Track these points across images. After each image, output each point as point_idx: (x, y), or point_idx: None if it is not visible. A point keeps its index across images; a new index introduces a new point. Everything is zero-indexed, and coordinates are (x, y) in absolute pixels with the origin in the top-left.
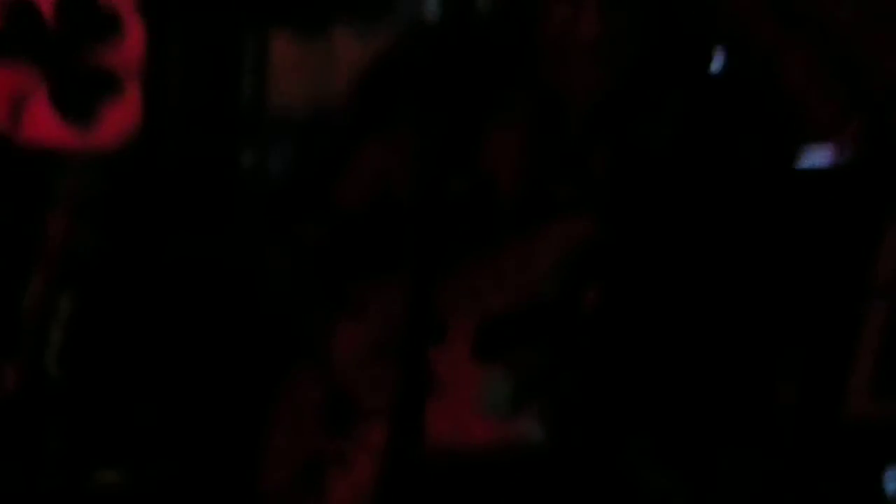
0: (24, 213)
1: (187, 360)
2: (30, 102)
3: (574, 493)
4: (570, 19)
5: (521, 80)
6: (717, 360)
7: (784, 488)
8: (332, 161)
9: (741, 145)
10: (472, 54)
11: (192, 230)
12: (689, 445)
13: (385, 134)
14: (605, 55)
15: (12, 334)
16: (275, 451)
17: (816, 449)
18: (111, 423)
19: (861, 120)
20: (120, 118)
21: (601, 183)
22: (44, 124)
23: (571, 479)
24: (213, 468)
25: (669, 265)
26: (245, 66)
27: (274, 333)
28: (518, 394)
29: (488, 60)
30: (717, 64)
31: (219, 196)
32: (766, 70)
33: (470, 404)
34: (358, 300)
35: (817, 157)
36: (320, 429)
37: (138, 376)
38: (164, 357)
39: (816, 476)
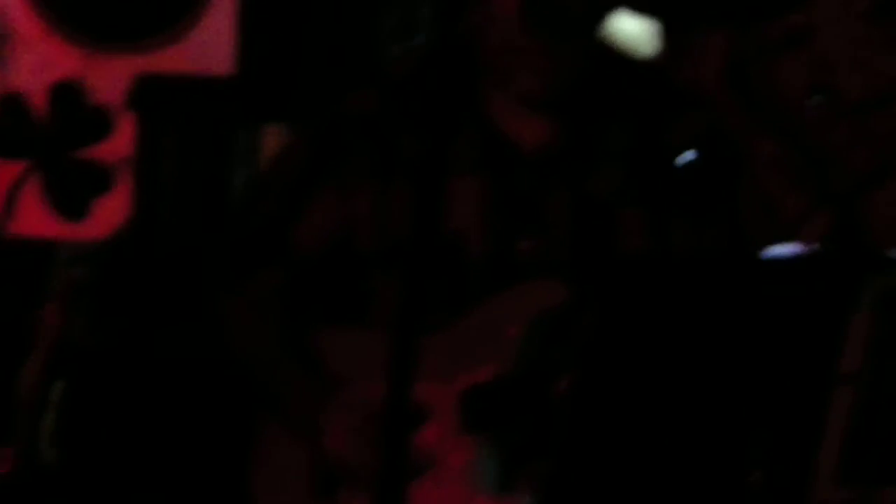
0: (20, 303)
1: (173, 440)
2: (23, 196)
3: None
4: (509, 72)
5: (472, 127)
6: (688, 442)
7: None
8: (289, 208)
9: (712, 234)
10: (426, 100)
11: (184, 318)
12: None
13: (341, 182)
14: (546, 106)
15: (7, 419)
16: None
17: None
18: None
19: (827, 213)
20: (111, 210)
21: (563, 238)
22: (36, 217)
23: None
24: None
25: (641, 349)
26: (236, 159)
27: (244, 392)
28: (506, 468)
29: (440, 107)
30: (687, 156)
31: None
32: (736, 163)
33: (462, 479)
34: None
35: (786, 247)
36: (308, 494)
37: (131, 459)
38: (153, 439)
39: None
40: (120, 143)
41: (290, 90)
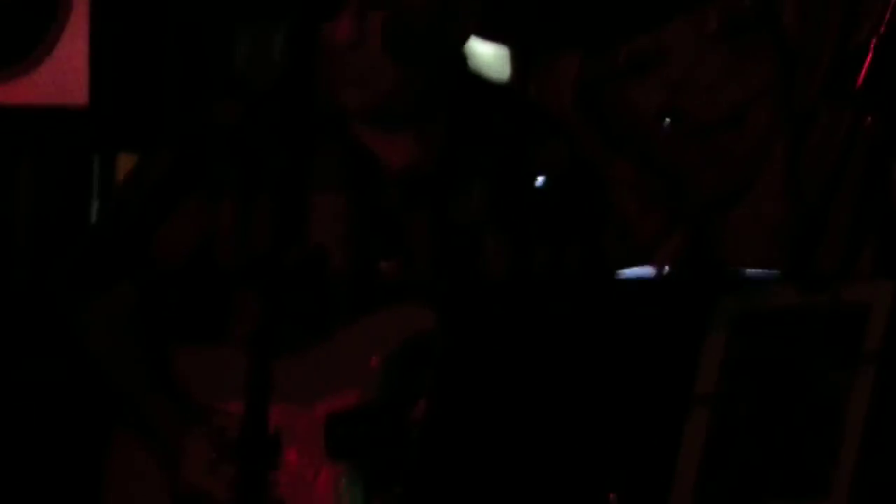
0: None
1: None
2: None
3: None
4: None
5: (336, 144)
6: (547, 465)
7: None
8: (147, 219)
9: (571, 257)
10: (286, 114)
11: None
12: None
13: (202, 194)
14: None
15: None
16: None
17: None
18: None
19: (681, 234)
20: None
21: (424, 260)
22: None
23: None
24: None
25: (498, 372)
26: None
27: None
28: (368, 494)
29: (299, 122)
30: (543, 179)
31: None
32: (594, 185)
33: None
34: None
35: (641, 269)
36: None
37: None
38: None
39: None
40: None
41: (146, 117)
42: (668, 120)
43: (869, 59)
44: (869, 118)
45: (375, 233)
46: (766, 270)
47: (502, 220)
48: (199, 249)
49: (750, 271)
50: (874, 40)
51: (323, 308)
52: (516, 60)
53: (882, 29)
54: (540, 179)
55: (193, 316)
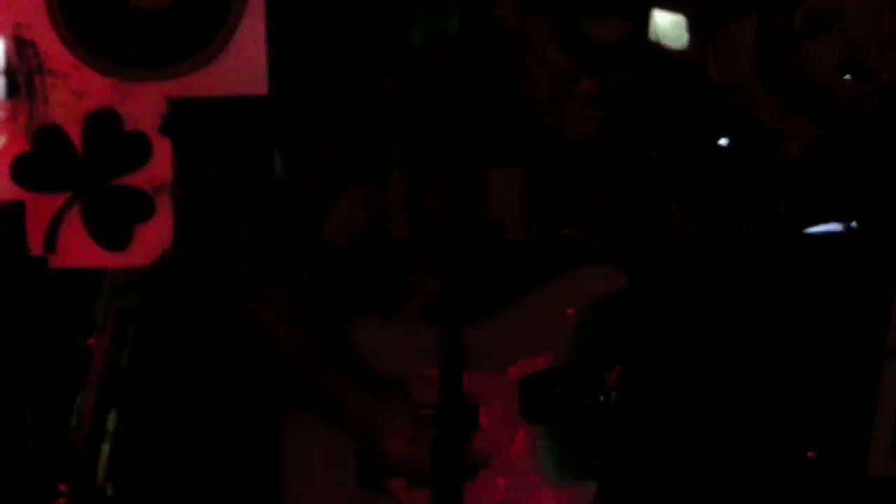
0: (67, 336)
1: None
2: (65, 228)
3: None
4: (574, 72)
5: (511, 120)
6: (744, 425)
7: None
8: (318, 201)
9: (753, 218)
10: (459, 87)
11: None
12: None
13: (371, 172)
14: (601, 106)
15: (63, 452)
16: None
17: None
18: None
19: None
20: (153, 237)
21: (607, 227)
22: (80, 248)
23: None
24: None
25: (691, 335)
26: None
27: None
28: (567, 456)
29: (474, 95)
30: (723, 143)
31: None
32: (771, 147)
33: (525, 467)
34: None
35: (826, 226)
36: (350, 487)
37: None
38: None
39: None
40: (158, 170)
41: (325, 108)
42: (848, 77)
43: None
44: None
45: (556, 203)
46: None
47: (683, 183)
48: (369, 227)
49: None
50: None
51: (504, 278)
52: (693, 28)
53: None
54: (721, 141)
55: (367, 291)
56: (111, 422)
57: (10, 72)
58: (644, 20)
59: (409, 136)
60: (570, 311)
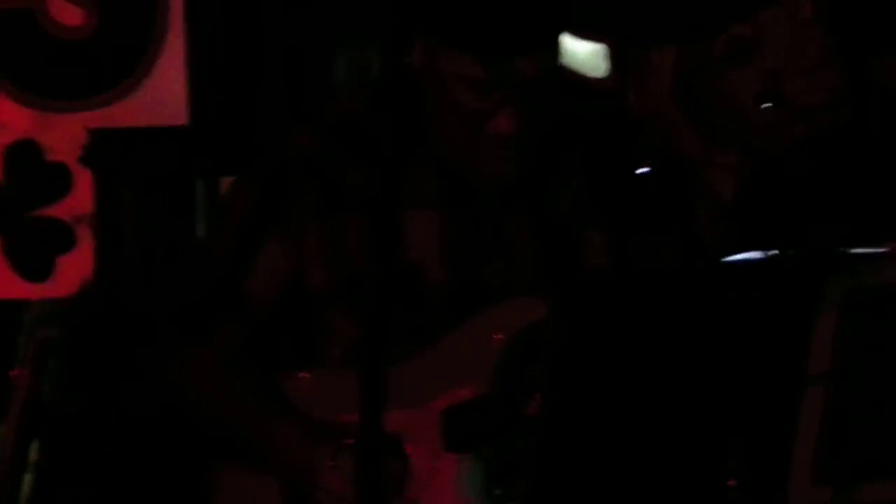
0: None
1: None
2: None
3: None
4: (486, 112)
5: (426, 163)
6: (664, 451)
7: None
8: (240, 260)
9: (672, 246)
10: (375, 135)
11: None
12: None
13: (288, 225)
14: (514, 144)
15: None
16: None
17: None
18: None
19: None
20: (75, 268)
21: (527, 260)
22: (0, 279)
23: None
24: None
25: (610, 363)
26: (198, 211)
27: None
28: (490, 486)
29: (390, 141)
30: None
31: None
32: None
33: (453, 498)
34: None
35: (747, 253)
36: None
37: None
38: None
39: None
40: (79, 200)
41: (247, 138)
42: (768, 105)
43: None
44: None
45: (474, 242)
46: (875, 248)
47: (601, 212)
48: (291, 278)
49: (858, 249)
50: None
51: (425, 319)
52: (613, 57)
53: None
54: (639, 170)
55: (292, 342)
56: (33, 452)
57: None
58: (555, 50)
59: (325, 185)
60: (497, 336)
